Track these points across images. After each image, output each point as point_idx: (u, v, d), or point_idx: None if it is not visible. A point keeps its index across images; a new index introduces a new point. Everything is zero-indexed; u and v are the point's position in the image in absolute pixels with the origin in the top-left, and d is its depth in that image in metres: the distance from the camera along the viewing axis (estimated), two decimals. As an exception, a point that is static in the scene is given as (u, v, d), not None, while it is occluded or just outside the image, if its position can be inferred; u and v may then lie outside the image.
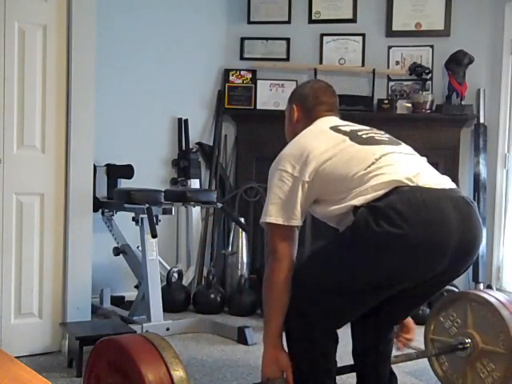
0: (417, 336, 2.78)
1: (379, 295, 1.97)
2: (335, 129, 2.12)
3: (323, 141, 2.05)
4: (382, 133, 2.17)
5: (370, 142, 2.06)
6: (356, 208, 1.89)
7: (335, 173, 1.97)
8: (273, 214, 2.00)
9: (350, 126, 2.15)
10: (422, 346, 2.74)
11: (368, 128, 2.17)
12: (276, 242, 2.02)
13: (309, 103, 2.27)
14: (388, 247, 1.83)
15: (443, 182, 2.00)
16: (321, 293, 1.94)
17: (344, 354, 2.19)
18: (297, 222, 2.01)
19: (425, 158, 2.12)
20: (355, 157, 1.98)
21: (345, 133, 2.09)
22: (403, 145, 2.13)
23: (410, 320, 2.33)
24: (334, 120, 2.22)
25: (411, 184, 1.89)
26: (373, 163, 1.95)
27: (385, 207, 1.83)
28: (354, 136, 2.07)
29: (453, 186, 2.01)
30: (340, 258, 1.94)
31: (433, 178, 1.98)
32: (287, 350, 2.03)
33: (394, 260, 1.85)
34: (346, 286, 1.91)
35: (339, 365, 2.13)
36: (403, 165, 1.98)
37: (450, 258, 1.89)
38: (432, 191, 1.90)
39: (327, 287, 1.93)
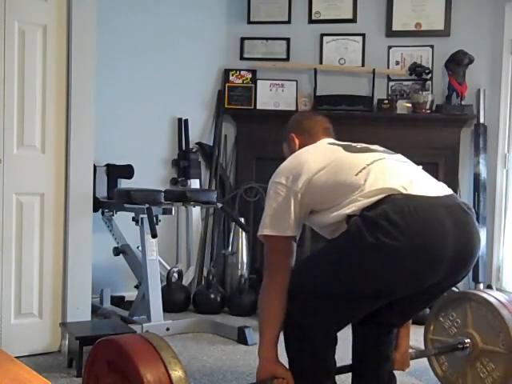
0: (417, 336, 2.79)
1: (375, 303, 1.96)
2: (330, 143, 2.17)
3: (317, 153, 2.08)
4: (377, 146, 2.17)
5: (363, 150, 2.08)
6: (349, 217, 1.89)
7: (328, 182, 1.97)
8: (268, 226, 2.01)
9: (345, 142, 2.18)
10: (422, 347, 2.74)
11: (363, 144, 2.17)
12: (272, 254, 2.03)
13: (305, 126, 2.30)
14: (382, 258, 1.82)
15: (438, 189, 1.97)
16: (317, 298, 1.93)
17: (344, 353, 2.19)
18: (291, 232, 2.00)
19: (420, 167, 2.10)
20: (347, 164, 1.99)
21: (339, 145, 2.13)
22: (398, 154, 2.12)
23: (406, 354, 2.30)
24: (332, 140, 2.25)
25: (404, 192, 1.87)
26: (364, 168, 1.95)
27: (377, 217, 1.82)
28: (347, 147, 2.10)
29: (449, 192, 1.98)
30: (335, 264, 1.93)
31: (427, 186, 1.95)
32: (286, 351, 2.04)
33: (388, 271, 1.84)
34: (342, 293, 1.91)
35: (338, 364, 2.13)
36: (396, 171, 1.97)
37: (447, 267, 1.88)
38: (426, 199, 1.88)
39: (323, 293, 1.92)
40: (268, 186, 2.08)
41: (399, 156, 2.11)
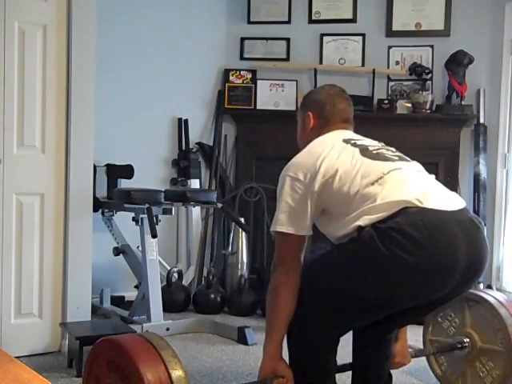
0: (416, 337, 2.79)
1: (380, 313, 1.97)
2: (347, 141, 2.09)
3: (334, 152, 2.02)
4: (394, 150, 2.13)
5: (380, 157, 2.02)
6: (361, 227, 1.86)
7: (343, 186, 1.94)
8: (284, 223, 1.98)
9: (362, 141, 2.12)
10: (421, 347, 2.74)
11: (380, 144, 2.14)
12: (286, 252, 2.01)
13: (326, 111, 2.21)
14: (395, 270, 1.82)
15: (452, 202, 1.95)
16: (323, 302, 1.94)
17: (344, 352, 2.19)
18: (306, 231, 1.99)
19: (433, 176, 2.08)
20: (363, 171, 1.95)
21: (355, 146, 2.06)
22: (413, 162, 2.09)
23: (405, 347, 2.31)
24: (348, 133, 2.18)
25: (420, 205, 1.85)
26: (380, 177, 1.92)
27: (391, 230, 1.80)
28: (363, 150, 2.04)
29: (462, 205, 1.97)
30: (345, 272, 1.91)
31: (441, 199, 1.93)
32: (288, 349, 2.04)
33: (399, 283, 1.84)
34: (349, 301, 1.91)
35: (339, 363, 2.13)
36: (412, 183, 1.94)
37: (456, 282, 1.89)
38: (440, 214, 1.87)
39: (330, 298, 1.93)
40: (281, 178, 2.03)
41: (415, 164, 2.08)
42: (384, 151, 2.08)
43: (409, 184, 1.94)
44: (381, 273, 1.83)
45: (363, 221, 1.86)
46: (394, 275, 1.82)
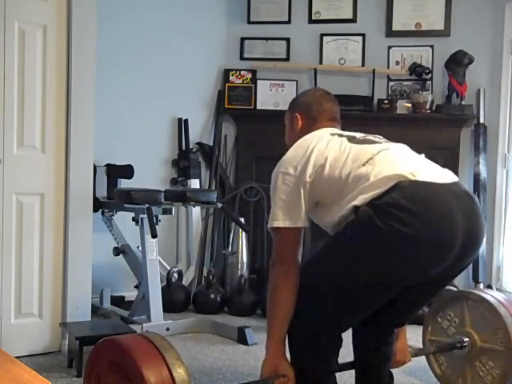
0: (415, 336, 2.79)
1: (382, 296, 1.96)
2: (334, 134, 2.13)
3: (323, 144, 2.05)
4: (381, 137, 2.16)
5: (368, 142, 2.07)
6: (356, 207, 1.88)
7: (334, 172, 1.96)
8: (280, 218, 1.99)
9: (348, 132, 2.16)
10: (421, 347, 2.74)
11: (365, 134, 2.16)
12: (284, 247, 2.01)
13: (313, 111, 2.27)
14: (393, 245, 1.82)
15: (445, 176, 1.97)
16: (320, 303, 1.94)
17: (345, 353, 2.19)
18: (302, 223, 2.00)
19: (423, 155, 2.10)
20: (353, 155, 1.97)
21: (342, 136, 2.10)
22: (401, 144, 2.12)
23: (405, 344, 2.32)
24: (335, 130, 2.22)
25: (412, 178, 1.87)
26: (370, 158, 1.94)
27: (387, 205, 1.81)
28: (351, 138, 2.08)
29: (455, 179, 1.98)
30: (341, 258, 1.92)
31: (434, 172, 1.96)
32: (289, 348, 2.04)
33: (398, 258, 1.84)
34: (348, 289, 1.90)
35: (340, 361, 2.12)
36: (402, 160, 1.97)
37: (455, 254, 1.88)
38: (434, 186, 1.88)
39: (330, 290, 1.92)
40: (273, 176, 2.05)
41: (403, 146, 2.11)
42: (371, 137, 2.12)
43: (400, 160, 1.96)
44: (381, 249, 1.83)
45: (359, 200, 1.87)
46: (395, 249, 1.82)
